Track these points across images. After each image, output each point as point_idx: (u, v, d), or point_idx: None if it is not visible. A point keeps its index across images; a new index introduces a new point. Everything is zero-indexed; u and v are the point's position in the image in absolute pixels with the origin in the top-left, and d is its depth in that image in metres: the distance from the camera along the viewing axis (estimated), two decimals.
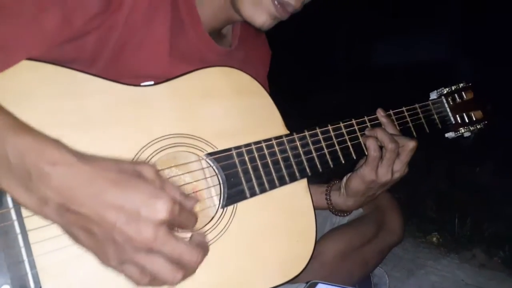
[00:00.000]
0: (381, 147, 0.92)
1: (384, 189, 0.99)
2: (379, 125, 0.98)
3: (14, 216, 0.61)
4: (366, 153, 0.93)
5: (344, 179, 1.00)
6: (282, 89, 0.97)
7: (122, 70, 0.79)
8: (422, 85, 1.09)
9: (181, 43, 0.87)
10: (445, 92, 1.13)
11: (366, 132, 0.95)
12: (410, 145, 0.93)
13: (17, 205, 0.61)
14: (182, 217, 0.55)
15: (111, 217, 0.51)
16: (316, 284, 0.80)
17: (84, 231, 0.54)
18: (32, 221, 0.61)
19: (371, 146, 0.91)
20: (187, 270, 0.57)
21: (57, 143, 0.54)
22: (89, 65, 0.76)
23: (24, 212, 0.61)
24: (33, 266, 0.60)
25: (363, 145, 0.95)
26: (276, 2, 0.82)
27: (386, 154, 0.91)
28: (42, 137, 0.54)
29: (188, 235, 0.62)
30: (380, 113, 0.98)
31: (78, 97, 0.70)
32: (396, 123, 1.00)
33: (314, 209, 0.89)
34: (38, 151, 0.52)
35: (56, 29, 0.67)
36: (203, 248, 0.58)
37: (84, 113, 0.70)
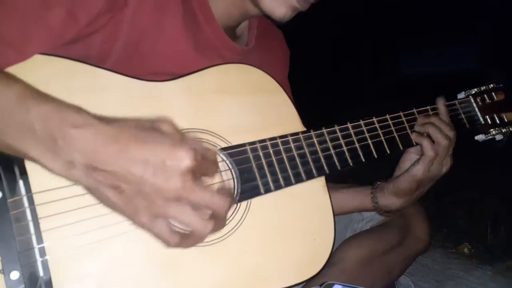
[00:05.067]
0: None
1: (431, 184, 0.98)
2: (402, 123, 0.95)
3: (26, 204, 0.61)
4: (388, 151, 0.91)
5: (391, 182, 0.99)
6: (307, 104, 0.97)
7: (139, 68, 0.80)
8: (450, 97, 1.07)
9: (197, 41, 0.87)
10: (474, 92, 1.09)
11: (416, 128, 0.95)
12: (451, 135, 0.93)
13: (29, 193, 0.62)
14: (205, 164, 0.56)
15: (138, 170, 0.53)
16: (332, 285, 0.77)
17: (113, 189, 0.55)
18: (45, 209, 0.62)
19: (428, 146, 0.91)
20: (216, 221, 0.58)
21: (78, 108, 0.56)
22: (100, 63, 0.77)
23: (37, 200, 0.62)
24: (43, 253, 0.61)
25: (384, 144, 0.92)
26: None
27: (440, 150, 0.91)
28: (64, 103, 0.56)
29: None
30: (441, 102, 0.98)
31: (93, 91, 0.70)
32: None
33: (333, 208, 0.86)
34: (61, 116, 0.54)
35: (61, 26, 0.69)
36: (230, 197, 0.59)
37: (98, 107, 0.69)
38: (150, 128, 0.57)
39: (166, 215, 0.55)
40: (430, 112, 0.99)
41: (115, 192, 0.55)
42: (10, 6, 0.65)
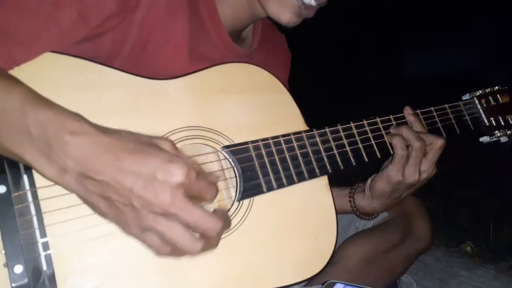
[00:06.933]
0: (407, 146, 0.88)
1: (411, 191, 0.95)
2: (405, 123, 0.94)
3: (30, 198, 0.62)
4: (392, 152, 0.90)
5: (369, 180, 0.97)
6: (310, 104, 0.96)
7: (143, 69, 0.80)
8: (454, 97, 1.06)
9: (202, 44, 0.88)
10: (478, 94, 1.08)
11: (391, 130, 0.92)
12: (438, 143, 0.89)
13: (33, 188, 0.62)
14: (199, 184, 0.55)
15: (128, 182, 0.52)
16: (334, 284, 0.78)
17: (103, 199, 0.55)
18: (48, 204, 0.63)
19: (398, 145, 0.87)
20: (207, 241, 0.57)
21: (77, 116, 0.56)
22: (109, 63, 0.78)
23: (41, 195, 0.62)
24: (46, 247, 0.62)
25: (388, 144, 0.91)
26: (300, 2, 0.83)
27: (412, 153, 0.87)
28: (63, 110, 0.56)
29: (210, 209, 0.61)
30: (407, 111, 0.95)
31: (98, 88, 0.71)
32: (424, 122, 0.96)
33: (335, 207, 0.86)
34: (58, 122, 0.54)
35: (71, 26, 0.69)
36: (224, 220, 0.57)
37: (103, 104, 0.71)
38: (148, 143, 0.56)
39: (154, 229, 0.55)
40: (421, 116, 0.97)
41: (105, 202, 0.55)
42: (22, 5, 0.65)
